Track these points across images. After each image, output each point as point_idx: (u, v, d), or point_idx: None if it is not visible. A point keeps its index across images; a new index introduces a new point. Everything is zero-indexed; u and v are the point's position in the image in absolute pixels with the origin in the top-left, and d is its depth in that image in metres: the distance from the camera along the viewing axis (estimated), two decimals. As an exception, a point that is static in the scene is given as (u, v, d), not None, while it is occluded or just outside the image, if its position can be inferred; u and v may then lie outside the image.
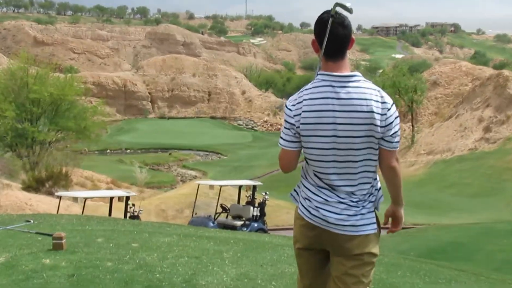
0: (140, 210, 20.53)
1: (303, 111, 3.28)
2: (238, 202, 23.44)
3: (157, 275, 6.31)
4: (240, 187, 24.08)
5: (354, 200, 3.30)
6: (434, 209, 35.14)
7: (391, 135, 3.26)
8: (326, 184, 3.31)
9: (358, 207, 3.31)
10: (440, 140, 55.39)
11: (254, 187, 22.93)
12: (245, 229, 20.42)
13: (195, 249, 8.24)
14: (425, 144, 56.65)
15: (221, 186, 23.47)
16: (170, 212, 30.77)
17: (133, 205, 20.44)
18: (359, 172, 3.29)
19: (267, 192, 22.77)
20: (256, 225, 21.22)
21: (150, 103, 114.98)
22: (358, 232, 3.30)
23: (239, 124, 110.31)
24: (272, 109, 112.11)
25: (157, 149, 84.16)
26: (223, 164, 72.16)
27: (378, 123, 3.20)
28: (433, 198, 39.28)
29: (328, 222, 3.29)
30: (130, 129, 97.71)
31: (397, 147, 3.33)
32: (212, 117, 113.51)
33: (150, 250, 7.71)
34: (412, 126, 60.52)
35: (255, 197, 22.61)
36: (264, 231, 20.92)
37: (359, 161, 3.27)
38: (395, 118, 3.29)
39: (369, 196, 3.35)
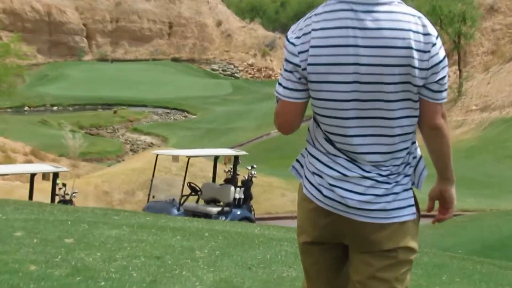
0: (74, 192, 20.68)
1: (311, 46, 3.26)
2: (214, 180, 23.53)
3: (102, 283, 6.34)
4: (215, 158, 24.16)
5: (384, 173, 3.31)
6: (490, 188, 35.40)
7: (437, 82, 3.26)
8: (343, 151, 3.33)
9: (389, 183, 3.31)
10: (498, 90, 55.58)
11: (236, 158, 23.02)
12: (224, 218, 20.60)
13: (155, 245, 8.34)
14: (478, 96, 56.86)
15: (188, 157, 23.52)
16: (117, 195, 30.88)
17: (64, 185, 20.54)
18: (393, 136, 3.30)
19: (255, 166, 22.86)
20: (239, 212, 21.42)
21: (85, 40, 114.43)
22: (391, 219, 3.31)
23: (213, 69, 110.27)
24: (260, 48, 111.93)
25: (96, 105, 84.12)
26: (191, 126, 72.27)
27: (417, 64, 3.19)
28: (488, 172, 39.56)
29: (347, 206, 3.30)
30: (57, 76, 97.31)
31: (445, 99, 3.34)
32: (175, 60, 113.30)
33: (91, 248, 7.82)
34: (459, 70, 60.60)
35: (238, 172, 22.68)
36: (250, 220, 21.11)
37: (393, 118, 3.27)
38: (443, 57, 3.28)
39: (404, 167, 3.36)
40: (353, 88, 3.22)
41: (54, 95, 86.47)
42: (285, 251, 8.76)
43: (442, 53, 3.27)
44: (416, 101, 3.28)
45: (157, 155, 23.77)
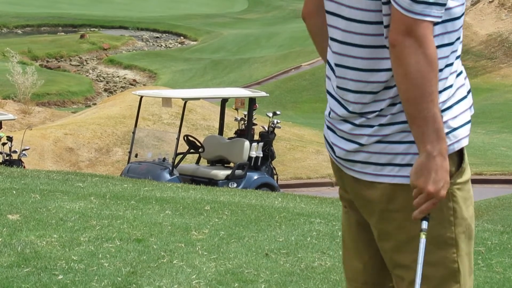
0: (24, 149, 20.23)
1: None
2: (221, 132, 22.39)
3: (60, 277, 5.97)
4: (223, 102, 22.83)
5: (352, 109, 3.01)
6: None
7: None
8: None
9: (371, 126, 2.95)
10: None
11: (252, 102, 21.62)
12: (235, 184, 19.55)
13: (135, 224, 7.90)
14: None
15: (185, 99, 22.18)
16: (85, 153, 29.23)
17: (9, 139, 20.19)
18: (368, 46, 2.96)
19: (278, 112, 21.96)
20: (256, 176, 20.33)
21: None
22: (379, 177, 2.97)
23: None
24: None
25: (55, 26, 76.73)
26: (190, 56, 66.81)
27: None
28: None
29: (335, 155, 3.12)
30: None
31: (424, 14, 2.75)
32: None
33: (45, 228, 7.46)
34: None
35: (254, 122, 21.54)
36: (272, 187, 20.07)
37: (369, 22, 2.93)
38: None
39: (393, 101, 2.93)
40: None
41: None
42: (316, 231, 8.03)
43: None
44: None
45: (142, 97, 22.42)
